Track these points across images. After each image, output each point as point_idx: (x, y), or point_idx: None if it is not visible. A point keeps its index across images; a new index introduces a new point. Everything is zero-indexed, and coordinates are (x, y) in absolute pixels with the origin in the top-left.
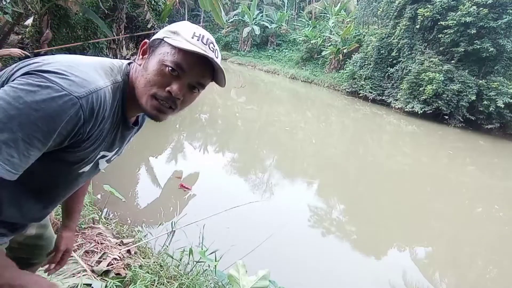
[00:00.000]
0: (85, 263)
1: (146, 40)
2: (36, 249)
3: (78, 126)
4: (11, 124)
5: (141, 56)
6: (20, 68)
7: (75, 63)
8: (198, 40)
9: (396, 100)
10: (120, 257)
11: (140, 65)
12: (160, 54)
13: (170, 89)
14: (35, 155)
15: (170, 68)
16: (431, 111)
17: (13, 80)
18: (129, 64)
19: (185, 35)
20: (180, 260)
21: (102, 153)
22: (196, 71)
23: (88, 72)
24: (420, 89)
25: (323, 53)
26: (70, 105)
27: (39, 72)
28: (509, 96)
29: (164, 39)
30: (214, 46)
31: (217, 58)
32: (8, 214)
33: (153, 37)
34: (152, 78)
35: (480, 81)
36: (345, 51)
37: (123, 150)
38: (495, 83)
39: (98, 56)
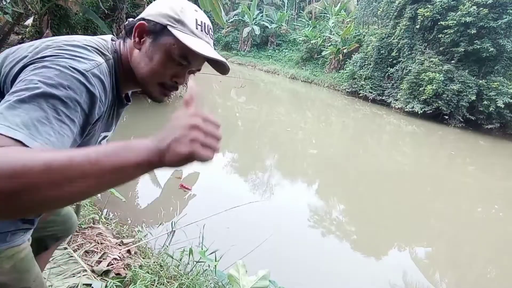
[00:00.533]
0: (85, 263)
1: (143, 22)
2: (56, 225)
3: (97, 100)
4: (36, 101)
5: (137, 39)
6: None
7: (69, 45)
8: (202, 30)
9: (396, 100)
10: (120, 257)
11: (139, 49)
12: (165, 44)
13: (177, 80)
14: (68, 134)
15: (177, 61)
16: (431, 111)
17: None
18: (112, 40)
19: (190, 24)
20: (180, 260)
21: (103, 134)
22: (199, 62)
23: (84, 53)
24: (420, 89)
25: (323, 53)
26: (80, 76)
27: (42, 58)
28: (509, 96)
29: (168, 27)
30: (212, 31)
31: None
32: None
33: (152, 19)
34: (159, 69)
35: (480, 81)
36: (345, 51)
37: (115, 128)
38: (495, 83)
39: None
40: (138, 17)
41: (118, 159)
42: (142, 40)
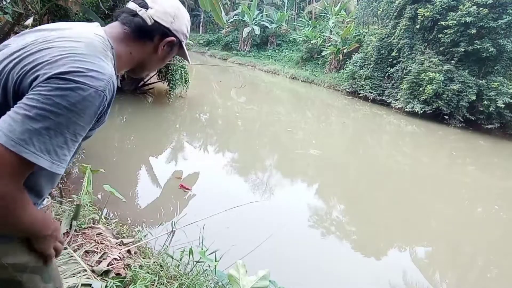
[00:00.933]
0: (85, 263)
1: (173, 38)
2: None
3: (104, 109)
4: (59, 129)
5: (164, 47)
6: (32, 68)
7: (80, 55)
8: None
9: (396, 100)
10: (120, 257)
11: (156, 52)
12: (174, 53)
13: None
14: (77, 146)
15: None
16: (431, 111)
17: (36, 85)
18: (104, 31)
19: (186, 37)
20: (180, 260)
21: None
22: None
23: (97, 63)
24: (420, 89)
25: (323, 53)
26: (98, 97)
27: (62, 75)
28: (509, 96)
29: (182, 43)
30: None
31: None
32: (46, 191)
33: (176, 34)
34: (161, 65)
35: (480, 81)
36: (345, 51)
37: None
38: (495, 83)
39: None
40: (162, 23)
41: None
42: (164, 47)
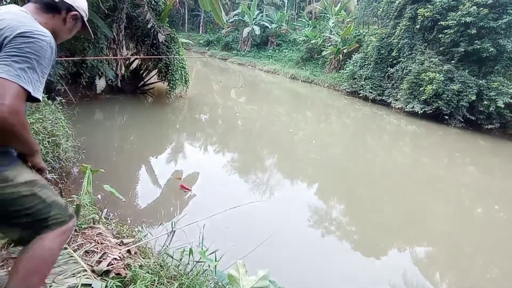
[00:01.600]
0: (85, 263)
1: (77, 13)
2: None
3: (53, 58)
4: (33, 68)
5: (70, 20)
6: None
7: (27, 22)
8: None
9: (396, 100)
10: (120, 257)
11: (65, 24)
12: (78, 25)
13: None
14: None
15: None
16: (431, 111)
17: (8, 42)
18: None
19: (86, 14)
20: (180, 260)
21: None
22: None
23: (39, 26)
24: (420, 89)
25: (323, 53)
26: (49, 47)
27: (22, 34)
28: (509, 96)
29: (83, 19)
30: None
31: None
32: None
33: (79, 11)
34: (70, 35)
35: (480, 81)
36: (345, 51)
37: None
38: (495, 83)
39: (99, 55)
40: (66, 1)
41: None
42: (70, 19)
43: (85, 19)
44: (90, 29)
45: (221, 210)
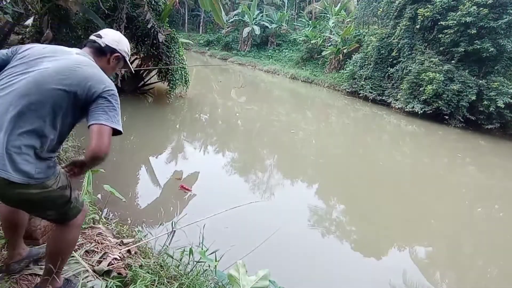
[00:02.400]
0: (86, 262)
1: (118, 54)
2: None
3: None
4: (118, 113)
5: (113, 60)
6: (93, 85)
7: (102, 75)
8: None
9: (396, 100)
10: (120, 257)
11: (108, 63)
12: (120, 64)
13: None
14: None
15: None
16: (431, 111)
17: (97, 96)
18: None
19: (128, 54)
20: (180, 260)
21: None
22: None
23: (107, 78)
24: (420, 89)
25: (323, 53)
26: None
27: (106, 90)
28: (509, 96)
29: (125, 58)
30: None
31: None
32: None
33: (121, 52)
34: (114, 71)
35: (480, 81)
36: (345, 51)
37: None
38: (496, 83)
39: None
40: (111, 46)
41: None
42: (113, 59)
43: (127, 58)
44: (130, 65)
45: (221, 210)
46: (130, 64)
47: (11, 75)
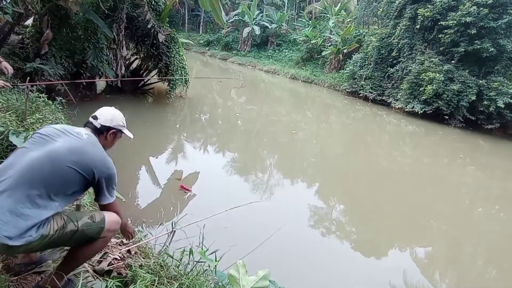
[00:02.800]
0: (86, 262)
1: (114, 130)
2: None
3: None
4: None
5: (110, 137)
6: (101, 171)
7: (105, 157)
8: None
9: (396, 100)
10: (120, 257)
11: (106, 139)
12: (117, 137)
13: None
14: None
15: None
16: (431, 111)
17: (104, 178)
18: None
19: (123, 126)
20: (180, 260)
21: None
22: None
23: (109, 159)
24: (420, 89)
25: (323, 53)
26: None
27: (110, 174)
28: (509, 96)
29: (121, 130)
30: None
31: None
32: None
33: (116, 128)
34: (112, 145)
35: (480, 81)
36: (345, 51)
37: None
38: (496, 83)
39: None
40: (105, 125)
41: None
42: (110, 135)
43: (123, 130)
44: (128, 133)
45: (220, 211)
46: (128, 132)
47: (27, 149)
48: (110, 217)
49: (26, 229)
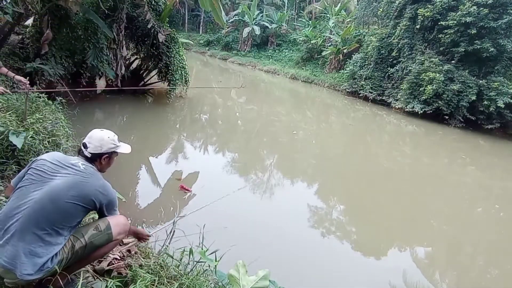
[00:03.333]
0: None
1: (106, 155)
2: None
3: None
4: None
5: (104, 161)
6: (101, 197)
7: (104, 184)
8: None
9: (397, 100)
10: (120, 257)
11: (101, 163)
12: (112, 159)
13: None
14: None
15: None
16: (431, 111)
17: (104, 205)
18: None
19: (115, 146)
20: (180, 260)
21: None
22: None
23: (105, 182)
24: (420, 89)
25: (323, 53)
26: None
27: (110, 201)
28: (509, 96)
29: (114, 152)
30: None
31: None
32: None
33: (107, 152)
34: (108, 167)
35: (481, 81)
36: (345, 51)
37: None
38: (496, 83)
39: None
40: (95, 153)
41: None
42: (103, 160)
43: (116, 149)
44: (125, 150)
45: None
46: (124, 149)
47: (27, 189)
48: (115, 221)
49: (42, 264)
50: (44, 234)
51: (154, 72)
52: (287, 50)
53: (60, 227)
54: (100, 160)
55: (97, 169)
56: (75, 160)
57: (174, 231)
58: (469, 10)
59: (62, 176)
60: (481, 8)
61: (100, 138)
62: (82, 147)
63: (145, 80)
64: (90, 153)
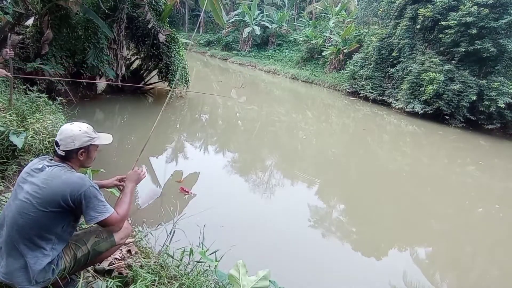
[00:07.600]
0: None
1: (82, 149)
2: None
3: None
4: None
5: (82, 156)
6: (80, 194)
7: (78, 178)
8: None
9: (397, 100)
10: (121, 257)
11: (82, 158)
12: (91, 151)
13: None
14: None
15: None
16: (431, 111)
17: (81, 198)
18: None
19: (91, 139)
20: (181, 260)
21: None
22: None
23: (81, 176)
24: (420, 89)
25: (323, 53)
26: (94, 188)
27: (83, 191)
28: (509, 96)
29: (91, 144)
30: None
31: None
32: None
33: (84, 146)
34: (90, 161)
35: (481, 81)
36: (345, 51)
37: None
38: (496, 83)
39: (99, 55)
40: (69, 149)
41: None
42: (81, 154)
43: (93, 141)
44: (104, 140)
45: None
46: (103, 139)
47: (8, 203)
48: (116, 237)
49: (38, 273)
50: (29, 248)
51: (154, 72)
52: (287, 50)
53: (43, 237)
54: (77, 156)
55: (77, 165)
56: (40, 163)
57: (174, 231)
58: (470, 10)
59: (29, 185)
60: (482, 8)
61: (71, 133)
62: (55, 146)
63: (146, 80)
64: (63, 150)
